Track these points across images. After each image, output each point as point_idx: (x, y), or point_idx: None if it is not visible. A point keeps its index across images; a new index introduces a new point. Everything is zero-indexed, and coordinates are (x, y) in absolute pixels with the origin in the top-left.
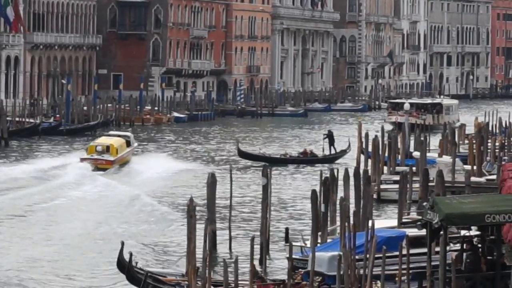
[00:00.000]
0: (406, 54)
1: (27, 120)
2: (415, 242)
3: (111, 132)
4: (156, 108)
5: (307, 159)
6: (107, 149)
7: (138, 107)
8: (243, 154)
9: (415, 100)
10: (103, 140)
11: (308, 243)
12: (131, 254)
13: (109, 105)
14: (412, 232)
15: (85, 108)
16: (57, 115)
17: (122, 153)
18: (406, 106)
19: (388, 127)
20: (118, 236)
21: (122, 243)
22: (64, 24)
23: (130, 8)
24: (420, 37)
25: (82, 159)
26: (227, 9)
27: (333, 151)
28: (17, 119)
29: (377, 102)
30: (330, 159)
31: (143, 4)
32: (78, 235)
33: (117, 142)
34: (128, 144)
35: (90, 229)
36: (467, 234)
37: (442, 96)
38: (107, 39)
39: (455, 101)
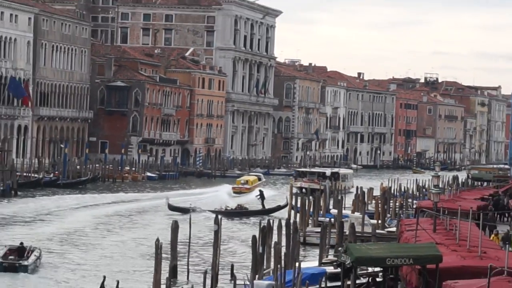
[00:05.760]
0: (329, 133)
1: (32, 175)
2: (332, 277)
3: (251, 173)
4: (133, 168)
5: (239, 211)
6: (246, 182)
7: (119, 167)
8: (172, 208)
9: (317, 170)
10: (245, 177)
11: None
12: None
13: (96, 165)
14: (330, 269)
15: (78, 167)
16: (56, 172)
17: (255, 184)
18: (328, 173)
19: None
20: None
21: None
22: (64, 101)
23: (115, 90)
24: (340, 120)
25: (233, 187)
26: (191, 93)
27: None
28: (24, 174)
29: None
30: (264, 212)
31: (125, 88)
32: None
33: (252, 178)
34: (259, 179)
35: None
36: (373, 272)
37: (348, 166)
38: (97, 114)
39: (351, 171)
